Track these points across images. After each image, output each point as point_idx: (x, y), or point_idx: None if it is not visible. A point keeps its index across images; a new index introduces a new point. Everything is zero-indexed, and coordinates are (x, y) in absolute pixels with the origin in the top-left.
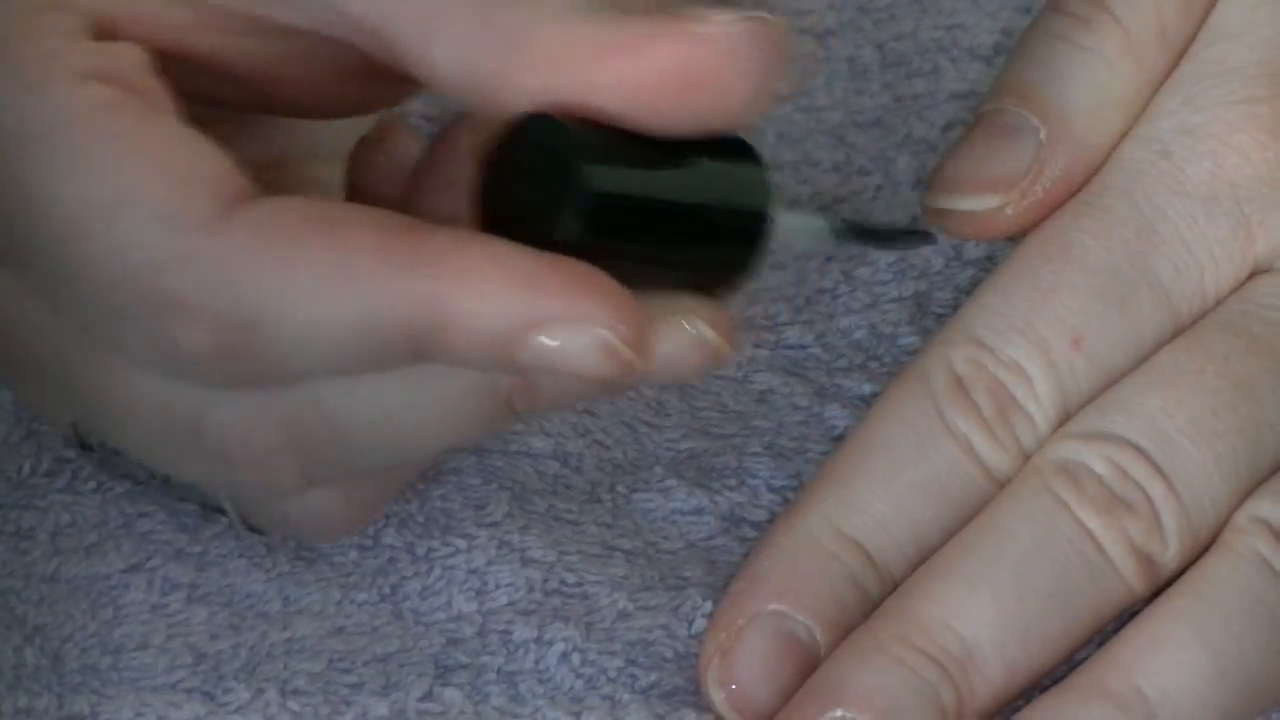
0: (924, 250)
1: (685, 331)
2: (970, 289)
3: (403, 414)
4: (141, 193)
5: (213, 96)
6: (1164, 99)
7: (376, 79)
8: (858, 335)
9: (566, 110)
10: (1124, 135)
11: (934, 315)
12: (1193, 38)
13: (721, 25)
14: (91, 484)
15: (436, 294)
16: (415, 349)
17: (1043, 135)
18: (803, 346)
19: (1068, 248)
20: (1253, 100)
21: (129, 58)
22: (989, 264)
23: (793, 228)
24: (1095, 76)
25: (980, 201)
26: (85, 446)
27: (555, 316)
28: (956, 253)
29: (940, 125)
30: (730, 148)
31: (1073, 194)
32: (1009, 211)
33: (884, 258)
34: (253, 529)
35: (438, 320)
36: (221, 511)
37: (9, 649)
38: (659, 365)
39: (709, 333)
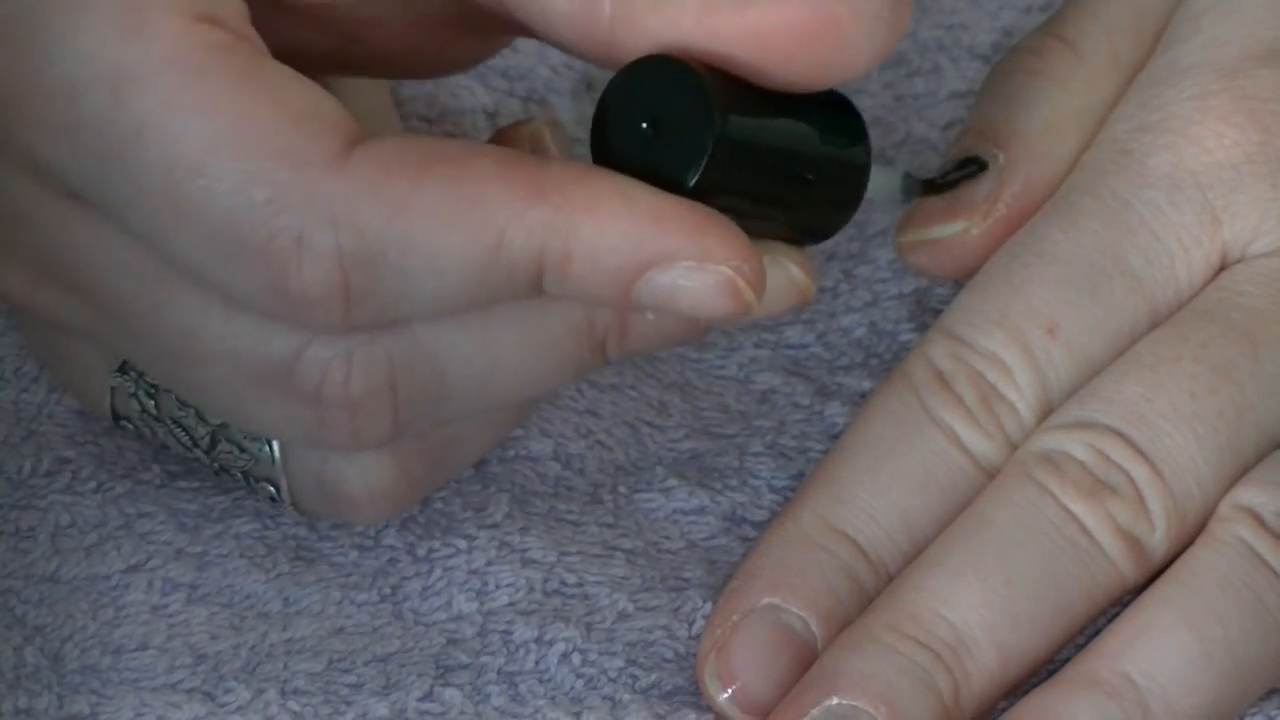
0: None
1: (784, 273)
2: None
3: (503, 354)
4: (262, 129)
5: (294, 47)
6: (1121, 106)
7: (470, 29)
8: (858, 333)
9: (685, 56)
10: (1083, 148)
11: (934, 312)
12: (1146, 59)
13: None
14: (91, 484)
15: (565, 223)
16: (538, 280)
17: (1001, 160)
18: (804, 346)
19: (1037, 243)
20: (1205, 94)
21: (232, 6)
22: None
23: (874, 181)
24: (1047, 95)
25: (945, 229)
26: (119, 418)
27: (682, 253)
28: None
29: (940, 125)
30: (831, 100)
31: (1038, 209)
32: (974, 232)
33: (884, 255)
34: (297, 505)
35: (566, 249)
36: (270, 484)
37: (9, 649)
38: (761, 307)
39: (798, 273)
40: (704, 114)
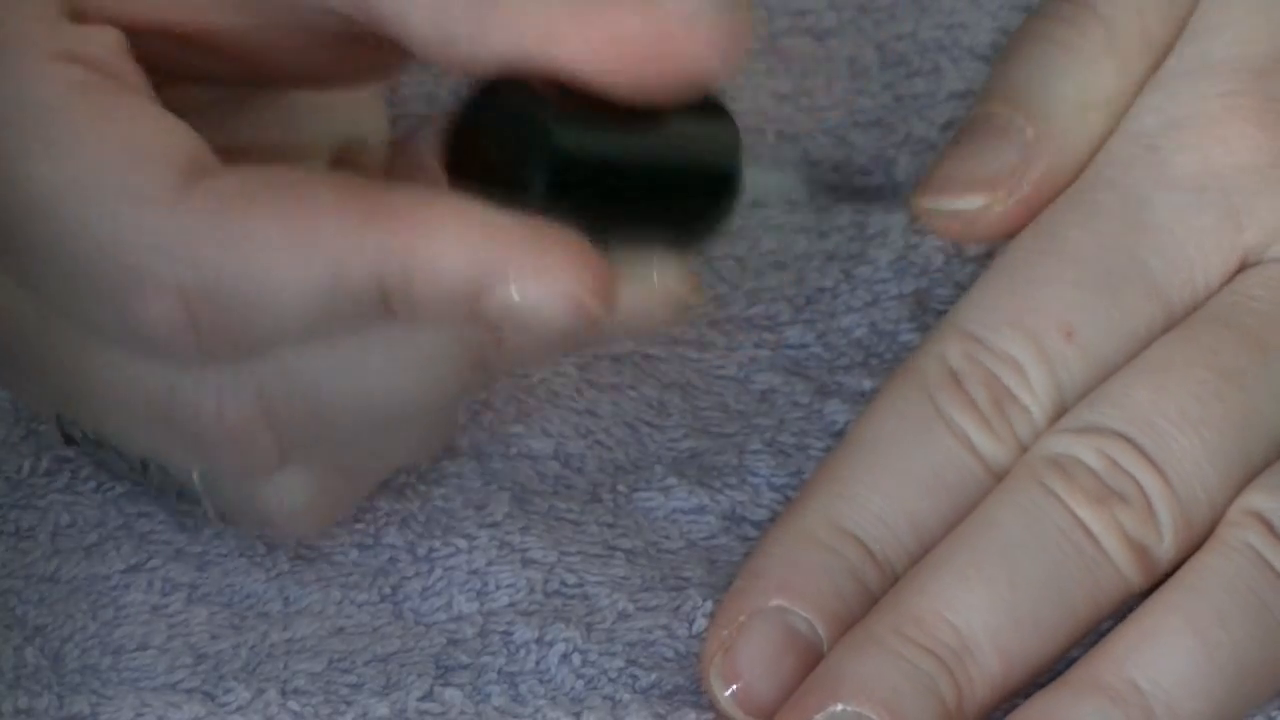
0: (924, 248)
1: (650, 284)
2: (970, 285)
3: (377, 376)
4: (106, 169)
5: (197, 71)
6: (1148, 95)
7: (361, 48)
8: (859, 334)
9: (537, 76)
10: (1108, 132)
11: (935, 312)
12: (1175, 40)
13: None
14: (91, 484)
15: (401, 245)
16: (385, 303)
17: (1029, 134)
18: (804, 346)
19: (1056, 241)
20: (1234, 93)
21: (102, 40)
22: (989, 260)
23: (764, 186)
24: (1079, 74)
25: (968, 202)
26: (70, 440)
27: (519, 269)
28: (957, 249)
29: (940, 125)
30: (702, 107)
31: (1059, 191)
32: (996, 210)
33: (884, 255)
34: (226, 521)
35: (404, 271)
36: (199, 504)
37: (9, 649)
38: (626, 319)
39: (674, 284)
40: (540, 129)
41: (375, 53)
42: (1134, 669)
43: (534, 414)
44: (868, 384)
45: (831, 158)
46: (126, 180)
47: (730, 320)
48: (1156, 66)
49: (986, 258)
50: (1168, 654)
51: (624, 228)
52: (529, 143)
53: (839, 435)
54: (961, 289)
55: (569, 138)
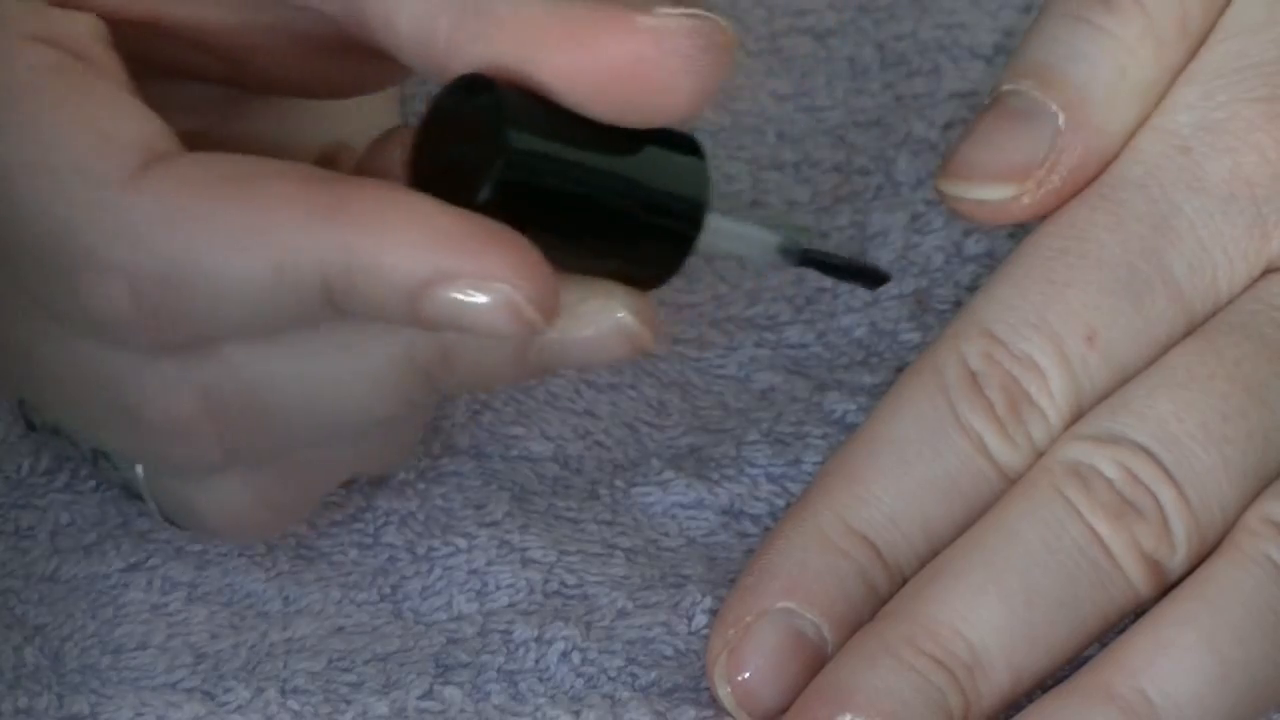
0: (924, 248)
1: (609, 317)
2: (971, 285)
3: (321, 383)
4: (65, 150)
5: (188, 68)
6: (1183, 91)
7: (352, 55)
8: (859, 333)
9: (512, 80)
10: (1141, 123)
11: (935, 312)
12: (1212, 28)
13: (664, 19)
14: (91, 483)
15: (345, 240)
16: (329, 300)
17: (1061, 121)
18: (804, 345)
19: (1082, 242)
20: (1273, 98)
21: (81, 25)
22: (990, 259)
23: (737, 235)
24: (1116, 61)
25: (996, 191)
26: (31, 426)
27: (461, 271)
28: (957, 249)
29: (940, 125)
30: (673, 140)
31: (1089, 181)
32: (1025, 200)
33: (884, 256)
34: (170, 520)
35: (348, 267)
36: (143, 500)
37: (9, 649)
38: (581, 348)
39: (632, 322)
40: (498, 131)
41: (362, 62)
42: (1147, 681)
43: (532, 415)
44: (868, 379)
45: (831, 158)
46: (83, 162)
47: (730, 320)
48: (1192, 54)
49: (987, 257)
50: (1183, 669)
51: (581, 251)
52: (484, 144)
53: (838, 423)
54: (961, 288)
55: (525, 143)
